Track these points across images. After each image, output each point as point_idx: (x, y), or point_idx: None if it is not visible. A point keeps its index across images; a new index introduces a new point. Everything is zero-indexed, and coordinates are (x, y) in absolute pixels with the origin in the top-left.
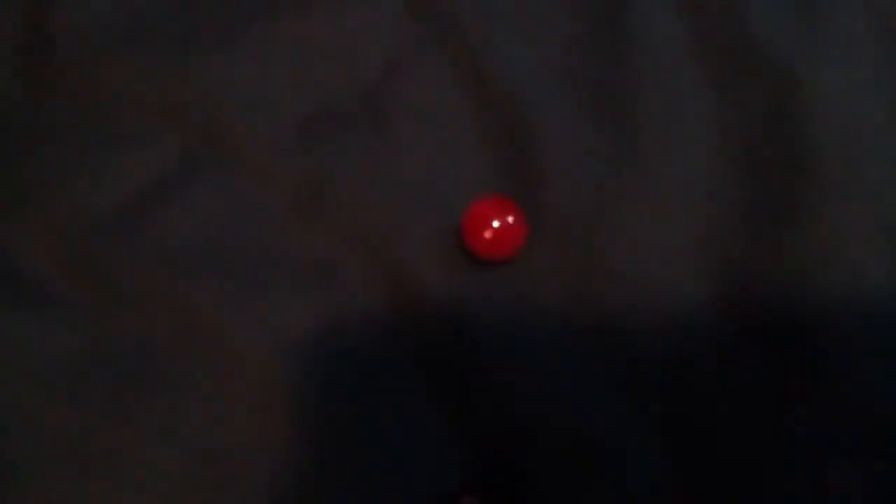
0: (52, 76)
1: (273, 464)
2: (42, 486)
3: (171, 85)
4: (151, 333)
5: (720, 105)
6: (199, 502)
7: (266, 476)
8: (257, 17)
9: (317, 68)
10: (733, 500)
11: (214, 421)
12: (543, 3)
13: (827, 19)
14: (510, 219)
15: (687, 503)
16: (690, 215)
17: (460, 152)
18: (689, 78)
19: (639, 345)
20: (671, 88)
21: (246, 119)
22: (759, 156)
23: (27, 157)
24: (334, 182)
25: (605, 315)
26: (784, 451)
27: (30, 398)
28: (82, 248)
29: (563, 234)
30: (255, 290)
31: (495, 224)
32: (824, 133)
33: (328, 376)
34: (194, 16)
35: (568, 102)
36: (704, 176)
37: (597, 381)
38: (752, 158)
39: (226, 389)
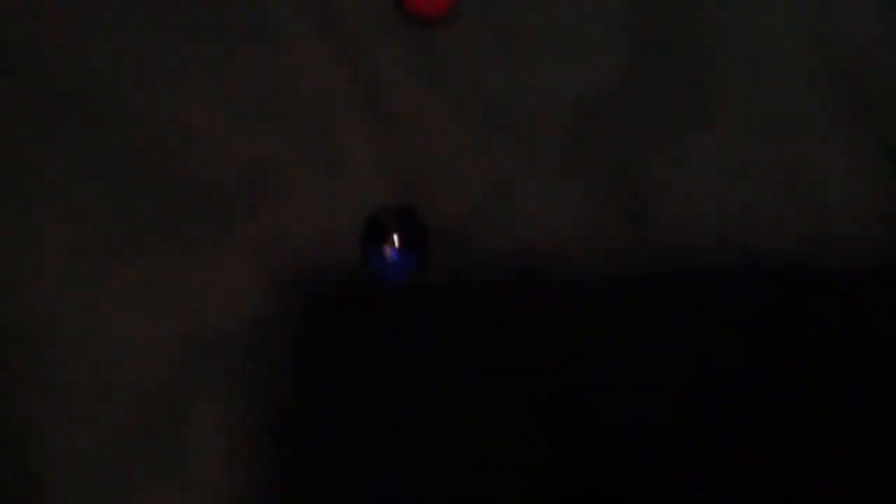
0: None
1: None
2: None
3: None
4: (105, 80)
5: None
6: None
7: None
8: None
9: None
10: None
11: (160, 158)
12: None
13: None
14: None
15: None
16: None
17: None
18: None
19: (556, 94)
20: None
21: None
22: None
23: None
24: None
25: (526, 66)
26: None
27: None
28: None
29: None
30: (207, 40)
31: None
32: None
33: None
34: None
35: None
36: None
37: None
38: None
39: (173, 128)
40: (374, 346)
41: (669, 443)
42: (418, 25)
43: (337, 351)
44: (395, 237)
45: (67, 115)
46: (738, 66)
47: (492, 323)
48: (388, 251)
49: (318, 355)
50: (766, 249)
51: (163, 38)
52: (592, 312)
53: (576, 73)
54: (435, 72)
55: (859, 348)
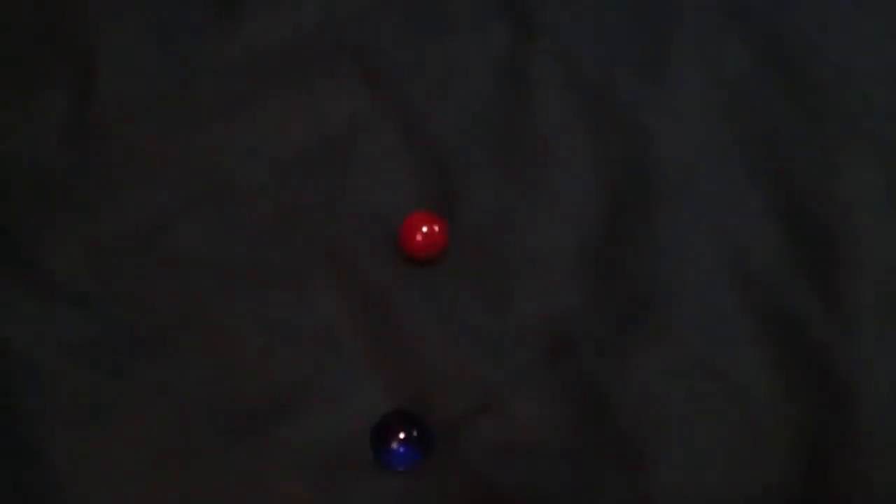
0: (88, 141)
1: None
2: (58, 433)
3: (179, 143)
4: (161, 321)
5: (595, 150)
6: (194, 444)
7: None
8: (248, 93)
9: (294, 128)
10: None
11: (210, 382)
12: (467, 72)
13: (675, 86)
14: (436, 227)
15: None
16: (571, 225)
17: (400, 185)
18: (573, 131)
19: (530, 317)
20: (560, 137)
21: (236, 165)
22: (621, 184)
23: (63, 197)
24: (302, 209)
25: (505, 295)
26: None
27: (53, 367)
28: (106, 262)
29: (475, 240)
30: (243, 287)
31: (424, 230)
32: (668, 168)
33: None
34: (203, 92)
35: (482, 147)
36: (581, 198)
37: (498, 345)
38: (616, 186)
39: (219, 358)
40: None
41: None
42: (416, 264)
43: None
44: (401, 435)
45: (138, 354)
46: (673, 290)
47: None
48: (395, 446)
49: None
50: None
51: (209, 285)
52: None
53: (544, 300)
54: (431, 304)
55: None
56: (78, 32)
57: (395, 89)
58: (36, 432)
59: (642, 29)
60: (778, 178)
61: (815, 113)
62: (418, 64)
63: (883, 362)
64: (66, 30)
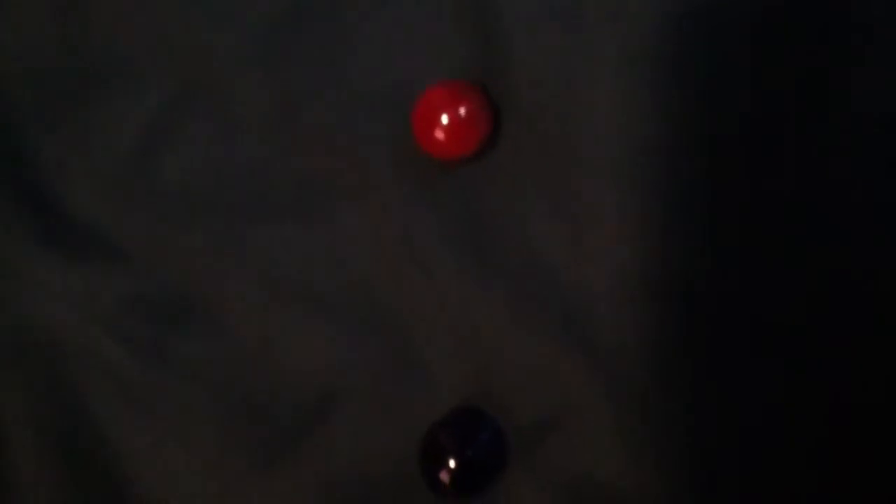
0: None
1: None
2: (96, 408)
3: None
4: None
5: None
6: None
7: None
8: None
9: None
10: None
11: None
12: None
13: None
14: (461, 110)
15: None
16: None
17: (426, 42)
18: None
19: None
20: None
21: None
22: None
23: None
24: (301, 96)
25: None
26: None
27: (88, 336)
28: (116, 190)
29: (530, 121)
30: (249, 221)
31: (444, 120)
32: None
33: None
34: None
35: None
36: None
37: None
38: None
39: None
40: None
41: None
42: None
43: None
44: (452, 462)
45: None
46: None
47: None
48: (444, 476)
49: None
50: None
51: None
52: None
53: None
54: (467, 238)
55: None
56: None
57: None
58: (97, 426)
59: None
60: None
61: None
62: None
63: None
64: None
